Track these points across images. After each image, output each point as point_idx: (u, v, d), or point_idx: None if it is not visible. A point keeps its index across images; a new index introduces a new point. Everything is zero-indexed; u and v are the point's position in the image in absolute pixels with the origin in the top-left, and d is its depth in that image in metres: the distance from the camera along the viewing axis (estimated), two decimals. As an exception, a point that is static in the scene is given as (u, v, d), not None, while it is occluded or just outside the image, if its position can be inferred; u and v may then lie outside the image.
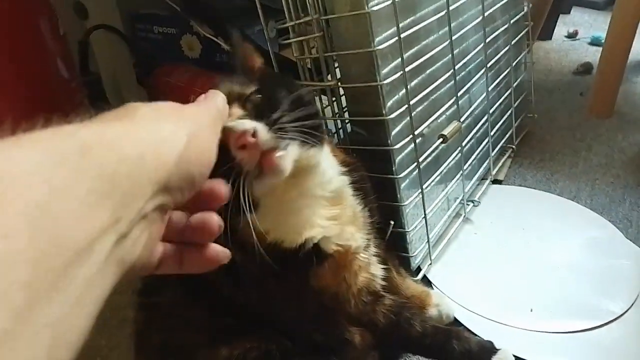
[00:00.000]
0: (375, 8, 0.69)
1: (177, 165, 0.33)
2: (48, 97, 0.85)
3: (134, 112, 0.33)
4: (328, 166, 0.60)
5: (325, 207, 0.60)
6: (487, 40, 0.97)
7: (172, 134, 0.34)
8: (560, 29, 1.97)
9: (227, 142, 0.45)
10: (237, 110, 0.49)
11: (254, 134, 0.45)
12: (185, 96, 1.15)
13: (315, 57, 0.77)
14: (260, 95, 0.52)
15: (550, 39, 1.92)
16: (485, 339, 0.76)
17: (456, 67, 0.87)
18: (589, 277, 0.86)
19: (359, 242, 0.63)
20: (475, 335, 0.77)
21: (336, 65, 0.78)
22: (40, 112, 0.73)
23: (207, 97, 0.43)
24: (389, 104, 0.75)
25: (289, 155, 0.49)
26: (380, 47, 0.71)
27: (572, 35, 1.93)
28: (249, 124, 0.46)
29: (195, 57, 1.22)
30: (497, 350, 0.70)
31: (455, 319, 0.80)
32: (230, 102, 0.47)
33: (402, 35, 0.72)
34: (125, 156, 0.29)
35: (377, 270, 0.68)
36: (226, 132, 0.44)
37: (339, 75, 0.78)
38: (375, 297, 0.67)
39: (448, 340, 0.69)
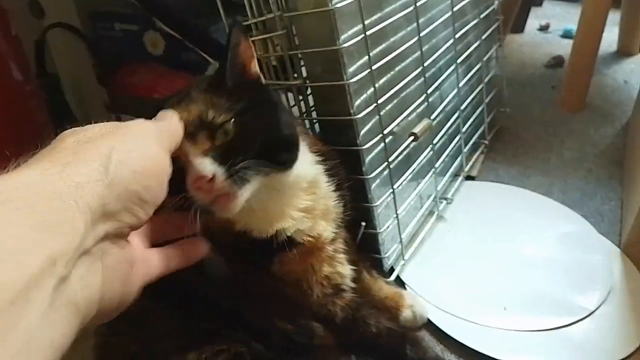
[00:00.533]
0: (339, 5, 0.66)
1: (109, 187, 0.31)
2: (1, 102, 0.81)
3: (57, 146, 0.34)
4: (302, 165, 0.59)
5: (299, 198, 0.60)
6: (457, 35, 0.96)
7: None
8: (533, 22, 1.96)
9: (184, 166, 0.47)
10: (203, 143, 0.49)
11: (212, 179, 0.47)
12: (149, 96, 1.11)
13: (280, 55, 0.74)
14: (232, 126, 0.50)
15: (523, 31, 1.92)
16: (458, 339, 0.75)
17: (426, 64, 0.86)
18: (562, 273, 0.85)
19: (329, 234, 0.63)
20: (454, 339, 0.76)
21: (302, 63, 0.75)
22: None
23: (159, 116, 0.44)
24: (356, 103, 0.73)
25: (242, 196, 0.50)
26: (346, 45, 0.68)
27: (544, 28, 1.93)
28: (208, 169, 0.47)
29: (160, 55, 1.17)
30: None
31: (429, 320, 0.79)
32: (199, 129, 0.48)
33: (369, 33, 0.70)
34: (44, 197, 0.29)
35: (344, 267, 0.68)
36: (187, 165, 0.47)
37: (305, 74, 0.76)
38: (336, 290, 0.67)
39: (402, 344, 0.68)
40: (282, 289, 0.64)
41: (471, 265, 0.89)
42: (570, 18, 2.03)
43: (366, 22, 0.69)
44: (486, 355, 0.73)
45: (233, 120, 0.50)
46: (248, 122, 0.51)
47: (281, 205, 0.59)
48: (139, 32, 1.16)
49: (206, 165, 0.47)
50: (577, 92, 1.37)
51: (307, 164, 0.61)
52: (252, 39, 0.74)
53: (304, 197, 0.61)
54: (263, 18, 0.72)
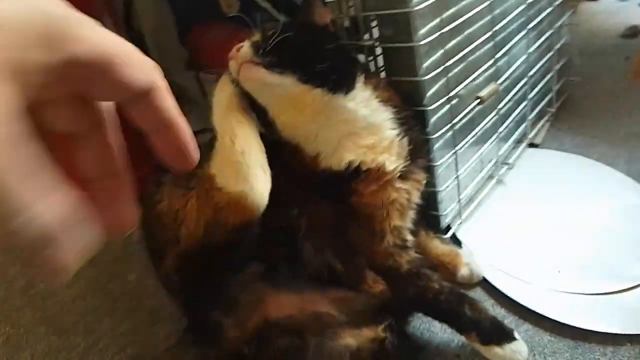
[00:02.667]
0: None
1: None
2: None
3: None
4: (360, 103, 0.66)
5: (361, 136, 0.67)
6: (529, 0, 0.95)
7: None
8: (610, -11, 1.88)
9: None
10: (257, 36, 0.64)
11: (239, 49, 0.60)
12: (222, 54, 1.18)
13: (353, 17, 0.77)
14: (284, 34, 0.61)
15: (599, -1, 1.84)
16: (511, 296, 0.78)
17: (496, 28, 0.87)
18: (619, 241, 0.86)
19: (394, 165, 0.68)
20: (508, 296, 0.78)
21: (374, 24, 0.78)
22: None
23: None
24: (425, 64, 0.76)
25: (265, 75, 0.59)
26: (418, 7, 0.71)
27: (622, -4, 1.84)
28: (244, 43, 0.62)
29: (233, 15, 1.23)
30: (514, 339, 0.67)
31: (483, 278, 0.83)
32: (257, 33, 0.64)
33: (441, -5, 0.72)
34: None
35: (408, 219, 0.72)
36: None
37: (376, 35, 0.79)
38: (403, 244, 0.72)
39: (460, 303, 0.69)
40: (355, 229, 0.70)
41: (527, 229, 0.91)
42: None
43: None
44: (537, 313, 0.76)
45: (282, 27, 0.61)
46: (295, 31, 0.62)
47: (345, 138, 0.67)
48: (215, -8, 1.22)
49: (244, 43, 0.61)
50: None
51: (369, 106, 0.67)
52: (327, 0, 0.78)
53: (366, 136, 0.67)
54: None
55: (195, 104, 1.19)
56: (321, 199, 0.70)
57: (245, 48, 0.61)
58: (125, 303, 0.86)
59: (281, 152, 0.68)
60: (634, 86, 1.32)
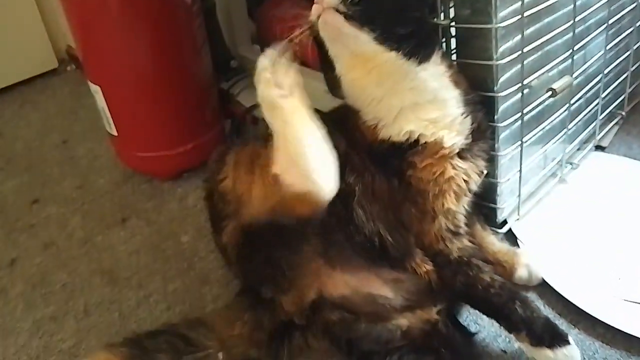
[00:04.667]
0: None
1: None
2: (172, 9, 0.95)
3: None
4: (431, 77, 0.66)
5: (425, 109, 0.66)
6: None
7: None
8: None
9: None
10: None
11: None
12: (290, 31, 1.19)
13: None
14: None
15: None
16: (570, 299, 0.75)
17: (577, 19, 0.83)
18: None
19: (454, 141, 0.68)
20: (561, 298, 0.76)
21: (451, 4, 0.76)
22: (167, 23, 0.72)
23: None
24: (501, 49, 0.74)
25: (344, 25, 0.60)
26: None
27: None
28: None
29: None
30: (567, 343, 0.63)
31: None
32: None
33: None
34: None
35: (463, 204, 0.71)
36: None
37: (452, 15, 0.77)
38: (456, 229, 0.71)
39: (512, 299, 0.65)
40: (408, 207, 0.69)
41: (588, 232, 0.87)
42: None
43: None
44: (590, 318, 0.73)
45: None
46: None
47: (408, 108, 0.66)
48: (287, -33, 1.22)
49: None
50: None
51: (439, 81, 0.67)
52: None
53: (430, 109, 0.67)
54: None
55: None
56: (378, 170, 0.70)
57: None
58: (177, 263, 0.89)
59: (344, 117, 0.69)
60: None
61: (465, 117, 0.69)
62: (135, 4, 0.89)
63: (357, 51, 0.62)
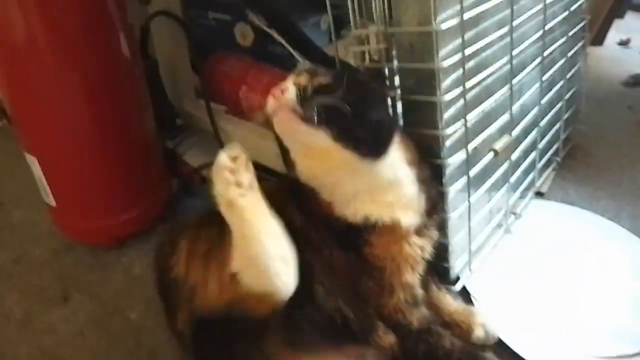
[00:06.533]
0: (443, 27, 0.69)
1: None
2: (114, 71, 0.92)
3: None
4: (385, 167, 0.66)
5: (381, 193, 0.67)
6: (546, 53, 0.96)
7: None
8: (613, 35, 1.91)
9: None
10: (301, 78, 0.63)
11: (283, 92, 0.59)
12: (236, 86, 1.19)
13: (378, 67, 0.77)
14: (328, 82, 0.63)
15: (602, 44, 1.87)
16: (520, 353, 0.77)
17: (514, 81, 0.87)
18: (627, 302, 0.86)
19: (410, 221, 0.69)
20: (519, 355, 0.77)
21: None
22: (109, 85, 0.87)
23: None
24: (446, 118, 0.76)
25: (300, 125, 0.59)
26: (445, 63, 0.71)
27: (624, 43, 1.88)
28: (287, 85, 0.61)
29: (248, 46, 1.23)
30: None
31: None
32: (303, 71, 0.65)
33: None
34: None
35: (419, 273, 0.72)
36: None
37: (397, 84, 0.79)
38: (414, 301, 0.71)
39: None
40: (366, 281, 0.69)
41: (535, 283, 0.90)
42: (653, 34, 1.97)
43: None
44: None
45: (332, 80, 0.63)
46: (344, 88, 0.61)
47: (363, 192, 0.67)
48: (230, 22, 1.22)
49: (288, 84, 0.61)
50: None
51: (395, 167, 0.67)
52: (355, 49, 0.77)
53: (386, 192, 0.67)
54: (366, 31, 0.75)
55: (204, 134, 1.18)
56: (335, 244, 0.69)
57: (290, 94, 0.60)
58: (125, 342, 0.84)
59: (299, 187, 0.68)
60: (637, 137, 1.33)
61: (420, 195, 0.70)
62: (74, 68, 0.86)
63: (311, 146, 0.62)
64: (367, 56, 0.78)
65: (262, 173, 0.71)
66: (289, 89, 0.61)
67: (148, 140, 1.02)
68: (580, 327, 0.82)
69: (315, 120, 0.58)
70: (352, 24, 0.76)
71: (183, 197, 1.15)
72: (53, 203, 0.96)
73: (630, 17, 2.11)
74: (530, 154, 1.05)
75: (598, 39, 1.84)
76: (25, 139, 0.92)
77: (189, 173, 1.12)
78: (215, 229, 0.64)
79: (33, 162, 0.92)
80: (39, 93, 0.86)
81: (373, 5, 0.72)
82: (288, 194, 0.70)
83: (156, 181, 1.06)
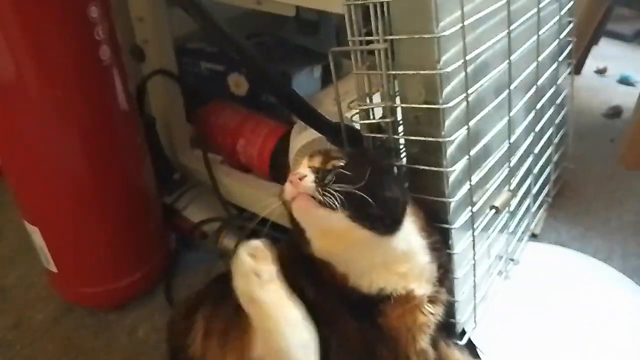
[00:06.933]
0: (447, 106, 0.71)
1: None
2: (113, 128, 0.91)
3: None
4: (400, 241, 0.67)
5: (395, 264, 0.68)
6: (538, 106, 0.99)
7: None
8: (589, 63, 1.97)
9: None
10: (315, 162, 0.66)
11: (301, 178, 0.60)
12: (233, 139, 1.19)
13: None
14: (342, 164, 0.64)
15: (580, 73, 1.93)
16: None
17: (511, 141, 0.90)
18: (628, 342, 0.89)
19: (424, 291, 0.70)
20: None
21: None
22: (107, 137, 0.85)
23: None
24: (451, 185, 0.77)
25: (319, 211, 0.60)
26: (450, 137, 0.73)
27: (601, 72, 1.94)
28: (304, 171, 0.62)
29: (242, 95, 1.23)
30: None
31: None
32: (317, 154, 0.67)
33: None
34: None
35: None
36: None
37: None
38: None
39: None
40: (380, 349, 0.70)
41: (536, 330, 0.93)
42: (626, 62, 2.03)
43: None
44: None
45: (345, 161, 0.65)
46: (357, 169, 0.63)
47: (378, 265, 0.67)
48: (223, 72, 1.22)
49: (305, 169, 0.62)
50: (637, 151, 1.39)
51: (408, 239, 0.68)
52: (360, 122, 0.79)
53: (400, 264, 0.68)
54: (372, 105, 0.77)
55: (202, 188, 1.18)
56: (349, 315, 0.70)
57: (308, 181, 0.60)
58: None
59: (312, 264, 0.69)
60: (622, 172, 1.38)
61: (432, 264, 0.71)
62: (73, 125, 0.85)
63: (328, 228, 0.63)
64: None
65: (262, 226, 0.71)
66: (307, 175, 0.61)
67: (149, 198, 1.02)
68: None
69: (334, 204, 0.60)
70: (357, 97, 0.78)
71: (182, 252, 1.14)
72: (54, 270, 0.95)
73: (604, 44, 2.18)
74: (525, 200, 1.08)
75: (577, 68, 1.90)
76: (26, 210, 0.91)
77: (189, 229, 1.11)
78: (231, 304, 0.64)
79: (34, 231, 0.91)
80: (38, 156, 0.85)
81: (379, 83, 0.74)
82: (298, 263, 0.71)
83: (157, 239, 1.05)
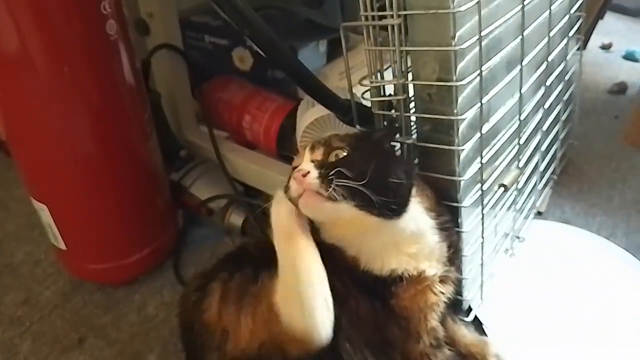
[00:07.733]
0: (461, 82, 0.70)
1: None
2: (120, 103, 0.90)
3: None
4: (408, 221, 0.67)
5: (405, 244, 0.69)
6: (548, 83, 0.99)
7: None
8: (594, 38, 1.95)
9: None
10: (318, 155, 0.66)
11: (305, 175, 0.59)
12: (239, 116, 1.18)
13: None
14: (345, 154, 0.64)
15: (585, 48, 1.91)
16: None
17: (522, 117, 0.89)
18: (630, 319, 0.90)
19: (434, 271, 0.71)
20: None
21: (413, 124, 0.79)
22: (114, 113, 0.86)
23: None
24: (462, 164, 0.77)
25: (325, 205, 0.60)
26: (462, 115, 0.72)
27: (606, 47, 1.92)
28: (307, 166, 0.61)
29: (246, 70, 1.21)
30: None
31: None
32: (319, 145, 0.67)
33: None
34: None
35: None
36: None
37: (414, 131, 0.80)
38: (438, 343, 0.74)
39: None
40: (392, 328, 0.71)
41: (543, 308, 0.94)
42: (631, 36, 2.01)
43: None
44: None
45: (347, 151, 0.64)
46: (360, 158, 0.64)
47: (388, 246, 0.68)
48: (228, 46, 1.20)
49: (307, 165, 0.62)
50: (642, 128, 1.39)
51: (416, 219, 0.69)
52: (370, 99, 0.78)
53: (410, 244, 0.69)
54: (384, 82, 0.76)
55: (208, 164, 1.17)
56: (360, 295, 0.71)
57: (312, 177, 0.60)
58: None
59: (323, 245, 0.68)
60: (625, 149, 1.38)
61: (441, 244, 0.71)
62: (80, 101, 0.84)
63: (336, 218, 0.64)
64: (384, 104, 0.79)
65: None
66: (311, 172, 0.61)
67: (156, 174, 1.01)
68: (588, 348, 0.86)
69: (340, 196, 0.60)
70: (368, 73, 0.77)
71: (189, 229, 1.15)
72: (63, 247, 0.95)
73: (609, 19, 2.15)
74: (532, 177, 1.08)
75: (583, 43, 1.87)
76: (33, 187, 0.90)
77: (195, 206, 1.11)
78: (248, 273, 0.67)
79: (42, 208, 0.90)
80: (45, 133, 0.84)
81: (391, 59, 0.73)
82: None
83: (165, 216, 1.05)
